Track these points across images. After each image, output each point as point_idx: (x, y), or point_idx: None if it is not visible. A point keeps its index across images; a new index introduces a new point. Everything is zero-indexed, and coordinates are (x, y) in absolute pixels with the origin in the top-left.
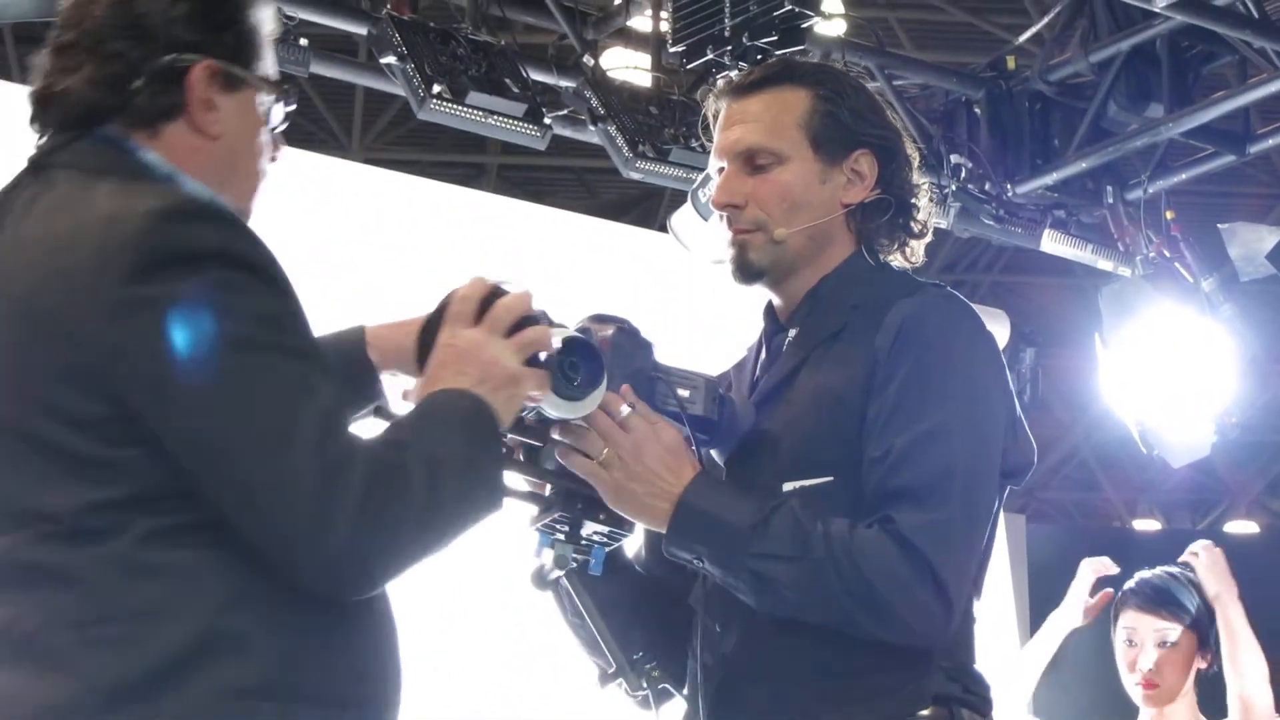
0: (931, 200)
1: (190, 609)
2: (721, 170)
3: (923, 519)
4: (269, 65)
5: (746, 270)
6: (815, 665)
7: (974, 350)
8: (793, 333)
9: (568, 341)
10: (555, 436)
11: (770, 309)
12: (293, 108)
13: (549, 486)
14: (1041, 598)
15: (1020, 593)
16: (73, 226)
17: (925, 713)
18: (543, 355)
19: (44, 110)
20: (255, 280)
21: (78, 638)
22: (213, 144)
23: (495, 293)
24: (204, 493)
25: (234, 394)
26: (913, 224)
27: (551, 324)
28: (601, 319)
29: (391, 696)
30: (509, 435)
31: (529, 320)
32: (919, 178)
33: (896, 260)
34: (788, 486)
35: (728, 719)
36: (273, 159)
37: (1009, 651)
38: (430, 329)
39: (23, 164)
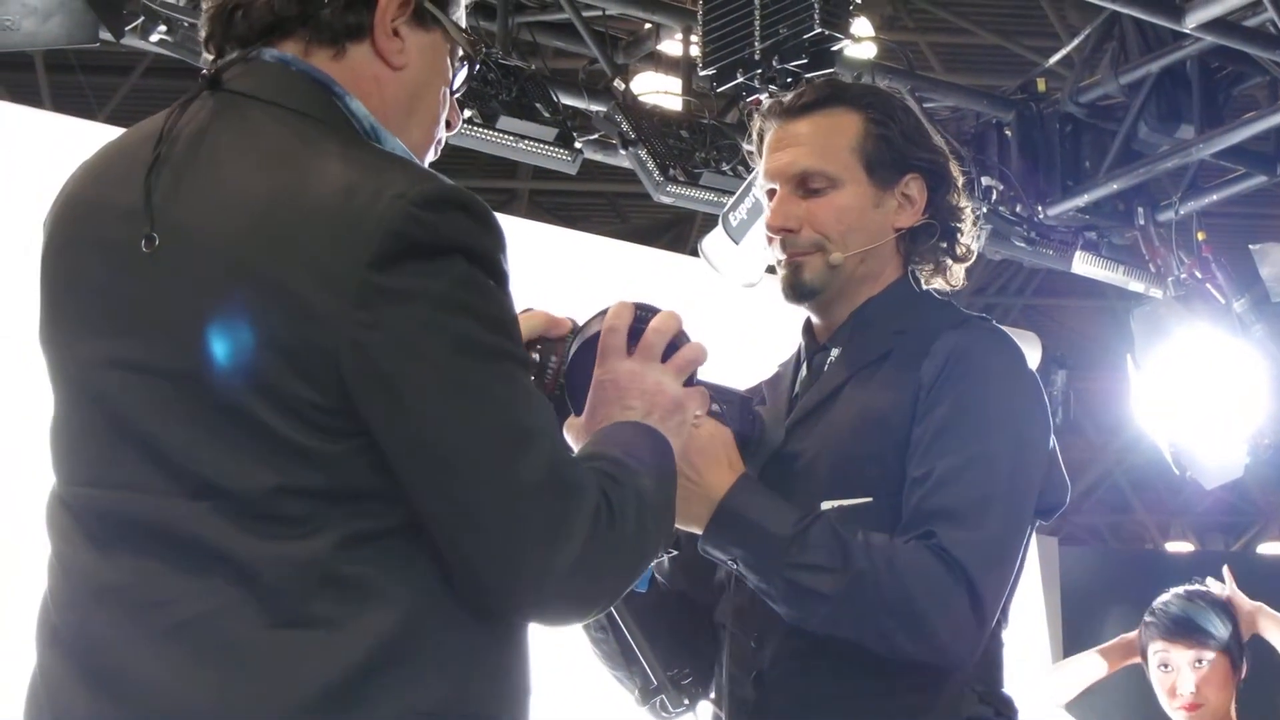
0: (975, 225)
1: (374, 625)
2: (772, 193)
3: (964, 536)
4: (462, 18)
5: (800, 290)
6: (852, 685)
7: (1019, 385)
8: (835, 353)
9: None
10: None
11: (809, 327)
12: (473, 74)
13: None
14: (1074, 620)
15: (1053, 615)
16: (300, 188)
17: None
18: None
19: (224, 25)
20: (496, 281)
21: (253, 639)
22: (395, 76)
23: (640, 318)
24: (414, 504)
25: (471, 401)
26: (957, 247)
27: None
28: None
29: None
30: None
31: (679, 340)
32: (964, 201)
33: (938, 283)
34: (826, 505)
35: (765, 714)
36: (449, 125)
37: (1041, 674)
38: (578, 367)
39: (56, 191)
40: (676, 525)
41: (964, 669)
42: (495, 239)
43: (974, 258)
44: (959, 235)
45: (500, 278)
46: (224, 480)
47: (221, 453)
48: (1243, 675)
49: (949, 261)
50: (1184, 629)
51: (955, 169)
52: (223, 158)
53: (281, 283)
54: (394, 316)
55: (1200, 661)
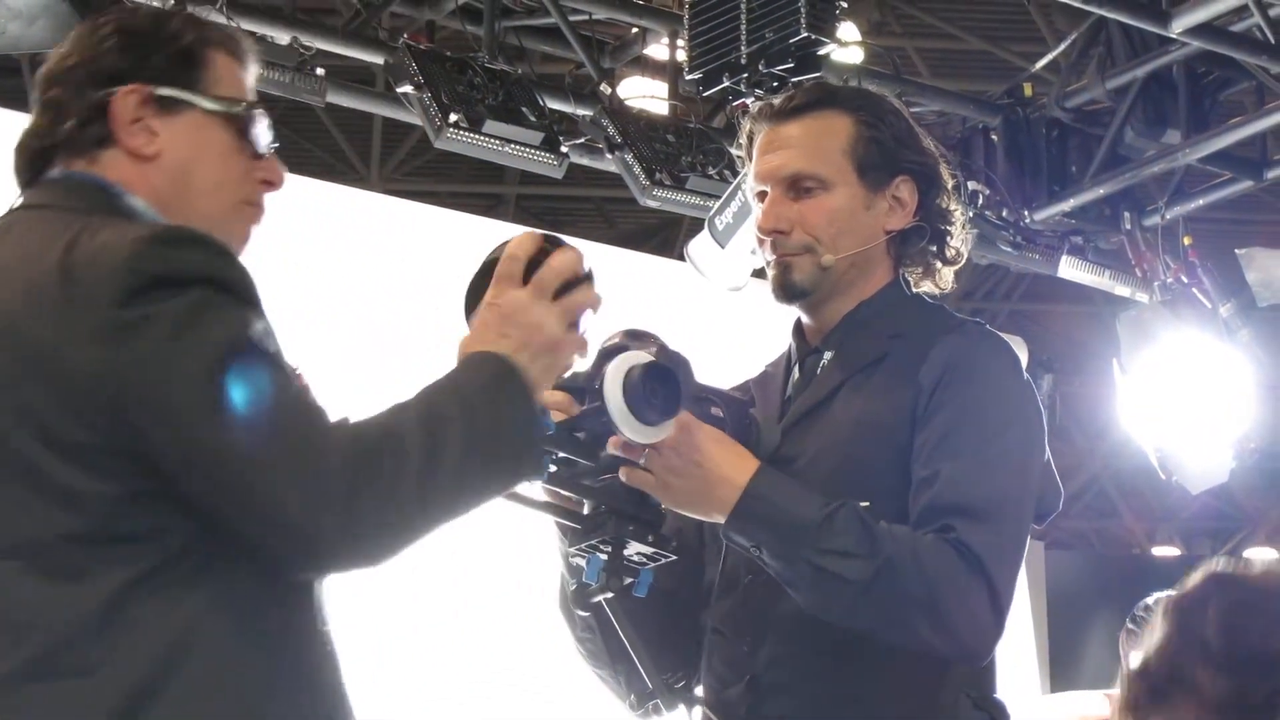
0: (964, 228)
1: (142, 664)
2: (762, 195)
3: (982, 533)
4: (225, 87)
5: (789, 290)
6: (847, 690)
7: (1020, 389)
8: (829, 355)
9: (651, 368)
10: (615, 452)
11: (799, 329)
12: (266, 131)
13: (588, 506)
14: (1061, 624)
15: (1039, 620)
16: (58, 257)
17: None
18: (620, 384)
19: (22, 158)
20: (237, 301)
21: (34, 680)
22: (154, 166)
23: (544, 250)
24: (202, 505)
25: (227, 403)
26: (947, 250)
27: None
28: (639, 336)
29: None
30: (559, 454)
31: (578, 281)
32: (954, 204)
33: (927, 286)
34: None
35: (759, 715)
36: (265, 181)
37: (1029, 678)
38: (476, 287)
39: None
40: (695, 514)
41: (981, 662)
42: (234, 267)
43: (963, 261)
44: (949, 238)
45: (248, 300)
46: (19, 533)
47: (12, 507)
48: None
49: (938, 264)
50: None
51: (945, 172)
52: (3, 252)
53: (43, 338)
54: (146, 343)
55: None
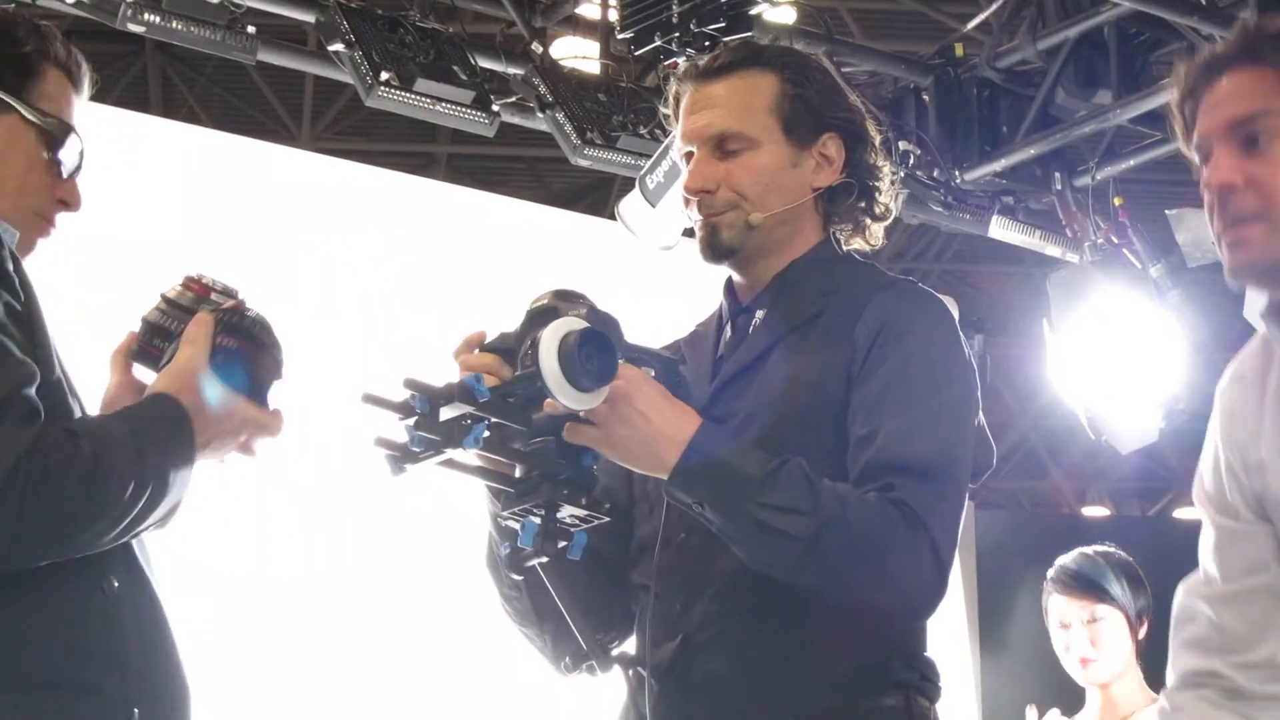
0: (893, 184)
1: None
2: (690, 155)
3: (923, 491)
4: (50, 103)
5: (717, 250)
6: (779, 648)
7: (955, 346)
8: (760, 314)
9: (586, 334)
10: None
11: (731, 288)
12: (75, 158)
13: (520, 470)
14: (990, 584)
15: (969, 580)
16: None
17: (890, 701)
18: (555, 351)
19: None
20: None
21: None
22: None
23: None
24: None
25: None
26: (875, 206)
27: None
28: (568, 296)
29: (135, 684)
30: (492, 419)
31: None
32: (881, 160)
33: (857, 243)
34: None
35: (685, 697)
36: (62, 201)
37: (958, 637)
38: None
39: None
40: (638, 469)
41: (923, 619)
42: None
43: (892, 217)
44: (877, 194)
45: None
46: None
47: None
48: (1141, 635)
49: (868, 221)
50: (1079, 584)
51: (872, 128)
52: None
53: None
54: None
55: (1094, 619)
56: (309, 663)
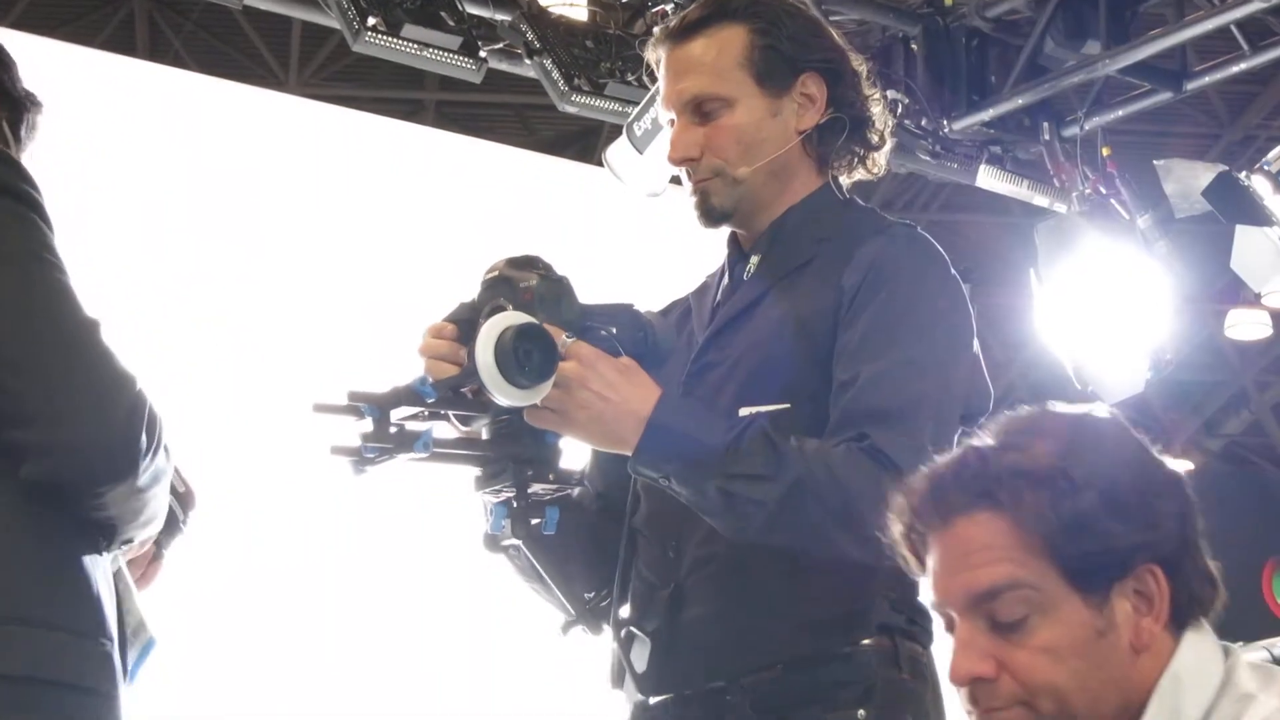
0: (885, 109)
1: None
2: (671, 121)
3: (897, 438)
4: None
5: (711, 215)
6: (768, 592)
7: (944, 289)
8: (754, 260)
9: (523, 329)
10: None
11: (734, 236)
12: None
13: (487, 453)
14: None
15: None
16: None
17: (868, 641)
18: (492, 350)
19: None
20: (30, 210)
21: None
22: None
23: None
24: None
25: (18, 300)
26: (870, 134)
27: (508, 301)
28: (522, 263)
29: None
30: (449, 412)
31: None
32: (868, 89)
33: (860, 174)
34: (744, 412)
35: (675, 641)
36: None
37: None
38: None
39: None
40: (602, 449)
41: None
42: (18, 172)
43: (889, 142)
44: (870, 124)
45: (18, 200)
46: None
47: None
48: None
49: (863, 151)
50: None
51: (855, 61)
52: None
53: None
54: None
55: None
56: (303, 650)
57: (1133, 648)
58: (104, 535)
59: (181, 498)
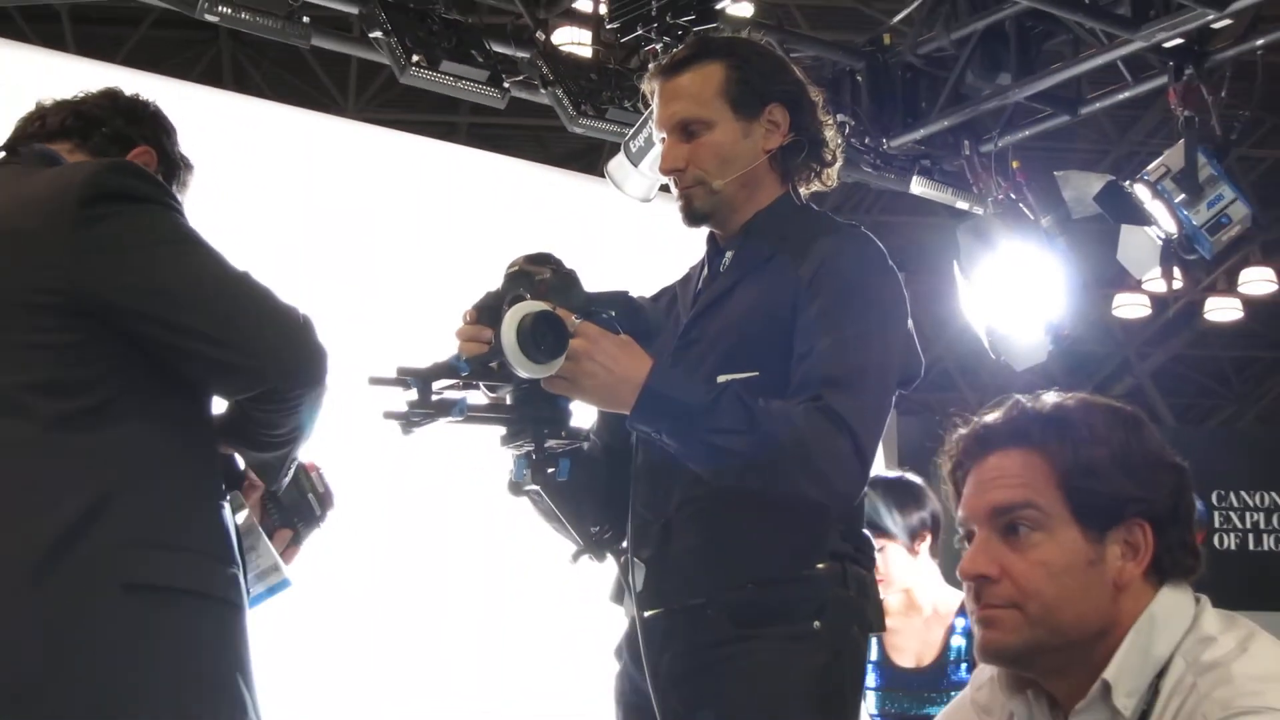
0: (837, 132)
1: (90, 483)
2: (663, 139)
3: (846, 399)
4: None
5: (693, 216)
6: (740, 526)
7: (883, 279)
8: (729, 256)
9: (540, 315)
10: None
11: (712, 235)
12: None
13: (510, 414)
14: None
15: (892, 469)
16: (43, 178)
17: (822, 566)
18: (514, 334)
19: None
20: (164, 209)
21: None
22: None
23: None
24: (152, 341)
25: (179, 263)
26: (825, 153)
27: (527, 291)
28: (538, 259)
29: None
30: (479, 383)
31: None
32: (824, 116)
33: (816, 186)
34: (722, 378)
35: (665, 566)
36: None
37: None
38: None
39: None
40: (605, 409)
41: (851, 503)
42: (157, 188)
43: (840, 161)
44: (824, 146)
45: (166, 207)
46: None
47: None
48: (925, 544)
49: (818, 168)
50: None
51: (814, 93)
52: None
53: (30, 231)
54: (101, 229)
55: (879, 549)
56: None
57: (1115, 585)
58: (231, 482)
59: (321, 497)
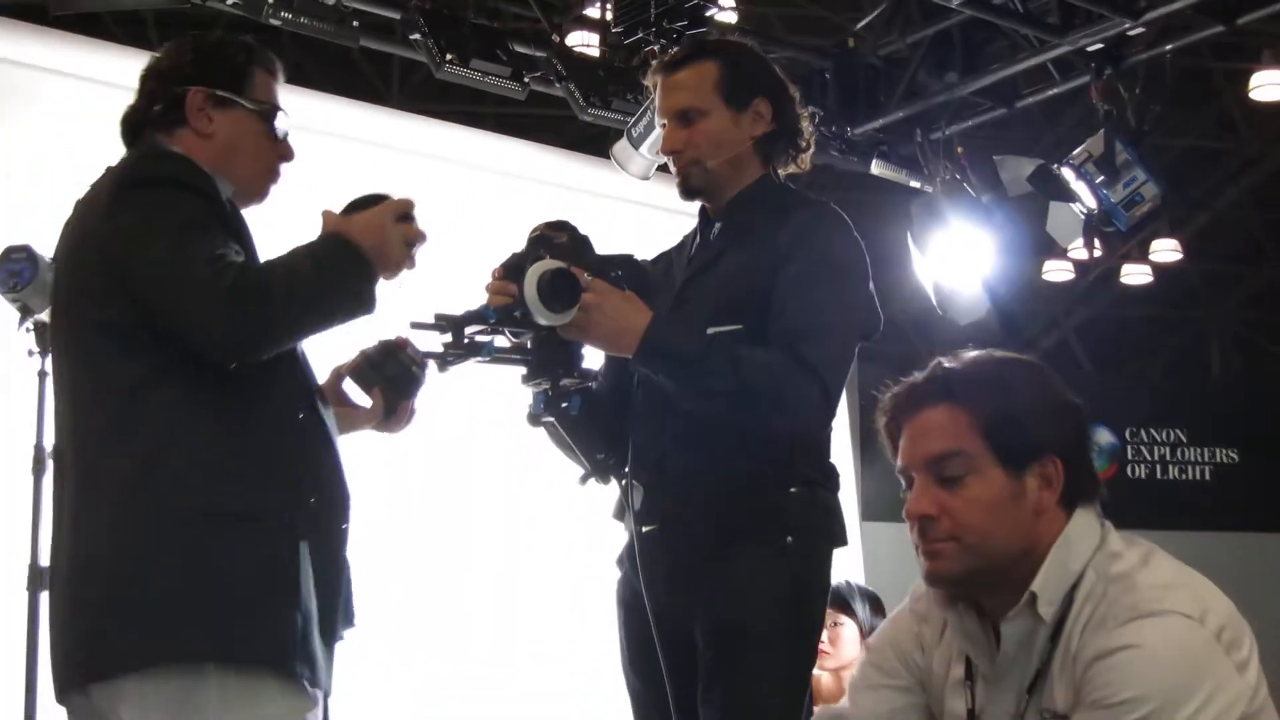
0: (811, 123)
1: (156, 431)
2: (664, 126)
3: (815, 348)
4: (261, 95)
5: (689, 190)
6: (721, 453)
7: (848, 246)
8: (718, 226)
9: (557, 271)
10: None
11: (703, 209)
12: (285, 125)
13: (531, 356)
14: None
15: (853, 409)
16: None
17: (794, 490)
18: (535, 288)
19: (120, 135)
20: (194, 193)
21: (98, 456)
22: (208, 141)
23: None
24: (149, 311)
25: (167, 244)
26: (800, 141)
27: (547, 252)
28: (556, 226)
29: (305, 519)
30: (506, 331)
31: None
32: (800, 109)
33: (793, 168)
34: (711, 330)
35: (660, 487)
36: (281, 156)
37: (844, 449)
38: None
39: None
40: (613, 353)
41: (819, 437)
42: (192, 174)
43: (813, 148)
44: (800, 135)
45: (201, 193)
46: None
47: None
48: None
49: (794, 154)
50: (833, 600)
51: (793, 90)
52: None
53: (90, 224)
54: (132, 208)
55: (836, 624)
56: None
57: (1034, 511)
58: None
59: (420, 365)
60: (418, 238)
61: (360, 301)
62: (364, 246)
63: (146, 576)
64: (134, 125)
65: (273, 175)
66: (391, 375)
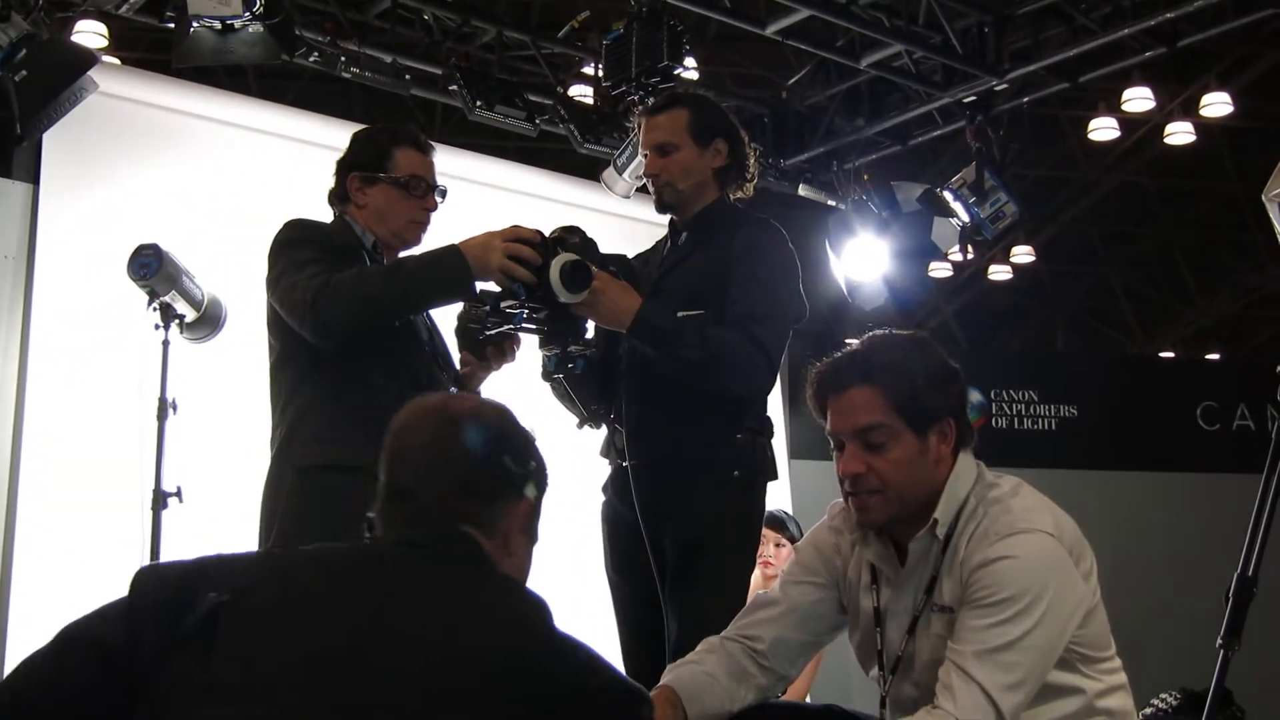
0: (756, 161)
1: (292, 403)
2: (645, 155)
3: (761, 330)
4: (401, 167)
5: (663, 206)
6: (689, 408)
7: (785, 253)
8: (685, 235)
9: (574, 262)
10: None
11: (672, 222)
12: (423, 187)
13: (548, 326)
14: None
15: (784, 373)
16: None
17: (740, 436)
18: (557, 273)
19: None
20: (314, 245)
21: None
22: (364, 210)
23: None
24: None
25: (288, 268)
26: (747, 173)
27: (562, 249)
28: (569, 230)
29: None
30: (529, 307)
31: (528, 241)
32: (749, 147)
33: (740, 194)
34: (681, 314)
35: (639, 432)
36: (424, 209)
37: (776, 403)
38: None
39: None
40: (611, 328)
41: (762, 399)
42: (317, 230)
43: (755, 179)
44: (748, 168)
45: (312, 239)
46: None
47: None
48: None
49: (742, 182)
50: (772, 524)
51: (743, 133)
52: None
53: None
54: (274, 257)
55: (780, 544)
56: None
57: (935, 461)
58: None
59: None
60: (519, 253)
61: (452, 283)
62: (467, 250)
63: (277, 515)
64: (331, 200)
65: (417, 225)
66: (467, 337)
